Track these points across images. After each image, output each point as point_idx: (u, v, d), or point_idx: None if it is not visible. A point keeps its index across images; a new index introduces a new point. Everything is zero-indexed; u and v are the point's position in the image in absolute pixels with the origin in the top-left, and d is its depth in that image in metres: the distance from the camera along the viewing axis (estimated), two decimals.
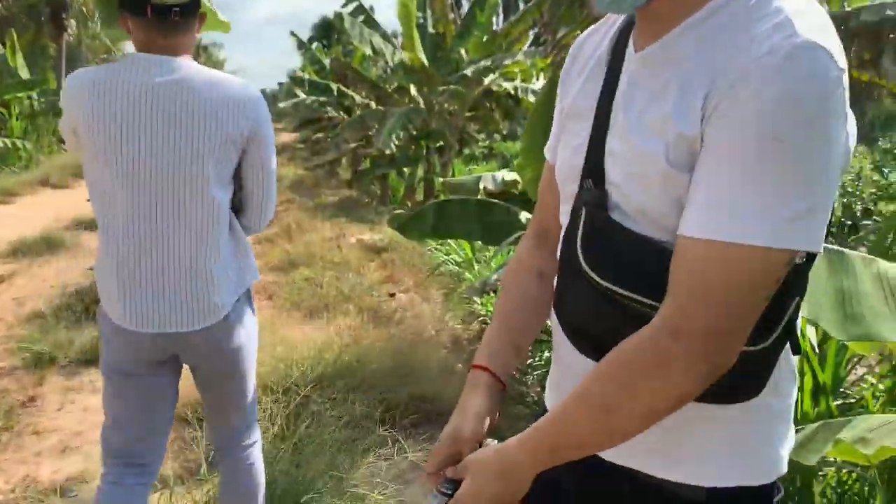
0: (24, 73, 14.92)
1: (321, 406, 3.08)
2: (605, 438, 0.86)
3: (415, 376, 3.41)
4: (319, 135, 16.31)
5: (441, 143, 10.14)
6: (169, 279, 1.71)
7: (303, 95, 13.84)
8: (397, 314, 4.85)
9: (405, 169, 11.01)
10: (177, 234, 1.71)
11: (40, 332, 4.15)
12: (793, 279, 0.80)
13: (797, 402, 2.05)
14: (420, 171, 11.06)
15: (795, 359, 0.95)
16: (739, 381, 0.85)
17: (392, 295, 5.37)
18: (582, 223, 0.92)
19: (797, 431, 1.54)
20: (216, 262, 1.74)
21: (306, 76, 13.52)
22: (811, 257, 0.83)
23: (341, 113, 13.98)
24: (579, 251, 0.91)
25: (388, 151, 9.44)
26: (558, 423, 0.88)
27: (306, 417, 2.92)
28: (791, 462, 0.99)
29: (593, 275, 0.89)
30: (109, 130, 1.65)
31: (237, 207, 1.85)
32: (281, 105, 14.77)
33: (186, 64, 1.71)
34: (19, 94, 13.36)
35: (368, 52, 9.69)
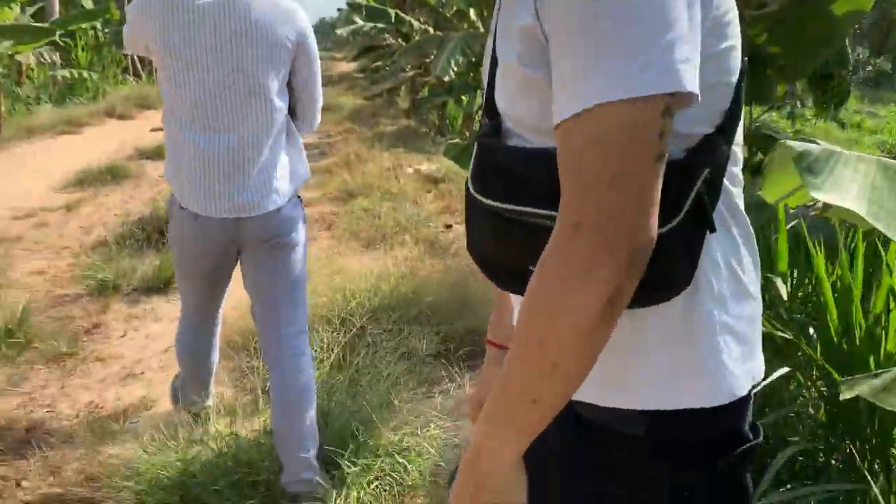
0: (88, 4, 15.03)
1: (377, 338, 3.04)
2: (552, 383, 0.72)
3: (471, 309, 3.34)
4: (378, 63, 16.07)
5: None
6: (233, 172, 1.96)
7: (360, 22, 13.57)
8: (454, 246, 4.76)
9: (463, 97, 10.76)
10: (239, 134, 1.96)
11: (104, 260, 4.22)
12: (698, 149, 0.77)
13: (881, 345, 1.89)
14: (479, 99, 10.80)
15: (757, 277, 0.87)
16: (659, 272, 0.73)
17: (449, 226, 5.28)
18: (473, 156, 0.88)
19: (878, 374, 1.41)
20: (274, 159, 2.01)
21: (363, 2, 13.19)
22: (722, 129, 0.79)
23: (399, 40, 13.70)
24: (469, 181, 0.87)
25: (446, 79, 9.18)
26: (503, 384, 0.76)
27: (362, 349, 2.89)
28: (870, 408, 0.85)
29: (480, 198, 0.84)
30: (179, 40, 1.88)
31: (291, 111, 2.10)
32: (339, 31, 14.52)
33: None
34: (84, 25, 13.46)
35: None
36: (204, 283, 2.20)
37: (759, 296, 0.89)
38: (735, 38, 0.80)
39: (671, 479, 0.84)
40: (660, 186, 0.69)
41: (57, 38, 12.28)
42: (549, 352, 0.70)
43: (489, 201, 0.82)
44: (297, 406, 2.08)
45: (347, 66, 23.21)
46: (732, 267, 0.84)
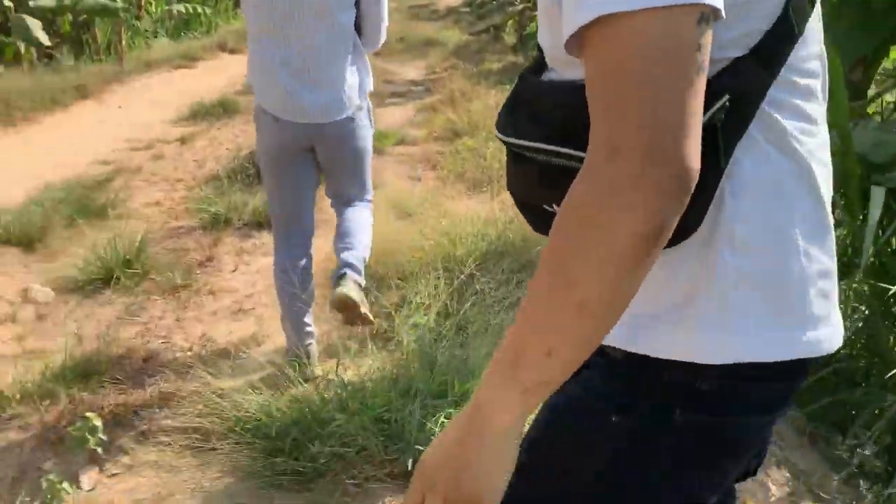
0: None
1: (485, 286, 2.94)
2: (575, 328, 0.63)
3: None
4: None
5: None
6: (309, 84, 2.21)
7: None
8: None
9: None
10: (312, 48, 2.19)
11: (217, 194, 4.29)
12: (720, 73, 0.68)
13: None
14: None
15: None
16: None
17: None
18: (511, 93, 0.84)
19: None
20: (343, 72, 2.24)
21: None
22: (757, 51, 0.70)
23: None
24: (499, 119, 0.82)
25: None
26: (515, 331, 0.67)
27: (470, 297, 2.79)
28: None
29: (497, 133, 0.80)
30: None
31: (357, 28, 2.29)
32: None
33: None
34: None
35: None
36: (287, 181, 2.41)
37: (817, 252, 0.76)
38: None
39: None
40: (701, 108, 0.62)
41: None
42: (577, 289, 0.62)
43: (503, 136, 0.79)
44: (356, 231, 2.47)
45: (453, 1, 22.76)
46: (766, 211, 0.73)
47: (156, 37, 13.42)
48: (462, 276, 2.80)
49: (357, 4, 2.24)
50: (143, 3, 12.68)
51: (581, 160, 0.63)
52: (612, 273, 0.61)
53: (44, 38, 8.61)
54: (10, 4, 9.08)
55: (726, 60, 0.69)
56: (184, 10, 13.66)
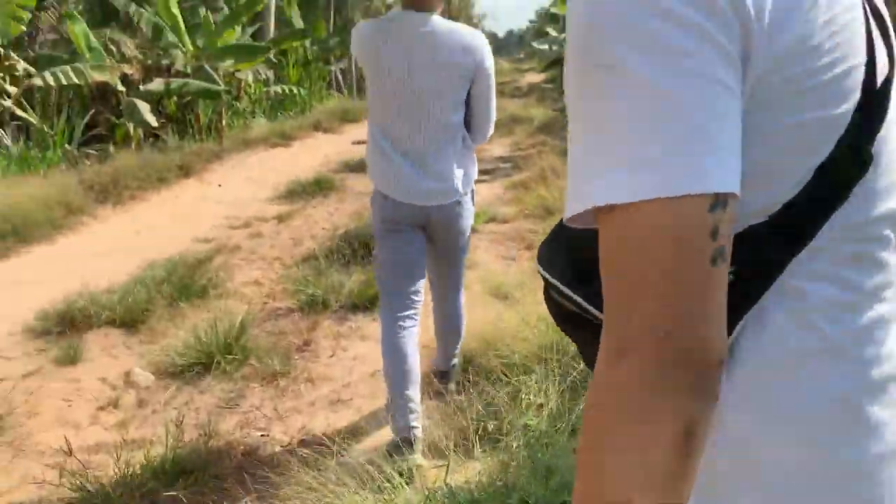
0: (298, 23, 16.07)
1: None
2: None
3: None
4: None
5: None
6: (422, 173, 2.44)
7: (554, 34, 13.38)
8: None
9: None
10: (426, 142, 2.42)
11: (314, 274, 4.28)
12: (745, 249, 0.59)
13: None
14: None
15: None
16: None
17: None
18: None
19: None
20: (452, 164, 2.47)
21: (562, 12, 12.93)
22: (775, 223, 0.60)
23: None
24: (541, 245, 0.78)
25: None
26: None
27: (583, 395, 2.61)
28: None
29: (538, 264, 0.76)
30: (385, 62, 2.37)
31: (467, 125, 2.52)
32: (534, 45, 14.38)
33: (436, 19, 2.37)
34: (295, 43, 14.39)
35: None
36: (399, 252, 2.57)
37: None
38: (829, 100, 0.58)
39: None
40: (724, 299, 0.54)
41: (271, 55, 13.22)
42: (609, 489, 0.53)
43: (538, 265, 0.76)
44: (451, 327, 2.81)
45: (536, 77, 23.09)
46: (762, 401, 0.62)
47: (254, 116, 14.08)
48: (575, 374, 2.62)
49: (468, 103, 2.48)
50: (242, 85, 13.35)
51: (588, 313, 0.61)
52: (647, 478, 0.52)
53: (152, 120, 9.11)
54: (123, 89, 9.69)
55: (740, 227, 0.59)
56: (280, 91, 14.32)
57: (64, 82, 8.16)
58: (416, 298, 2.57)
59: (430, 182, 2.44)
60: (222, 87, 10.46)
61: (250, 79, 12.42)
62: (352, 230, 5.07)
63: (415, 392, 2.44)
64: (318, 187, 6.97)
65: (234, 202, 6.77)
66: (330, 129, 12.38)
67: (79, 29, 8.96)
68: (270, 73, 14.42)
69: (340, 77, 20.59)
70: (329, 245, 4.93)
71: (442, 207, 2.51)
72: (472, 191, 2.62)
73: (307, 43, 16.08)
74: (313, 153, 9.69)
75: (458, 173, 2.50)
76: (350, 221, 5.69)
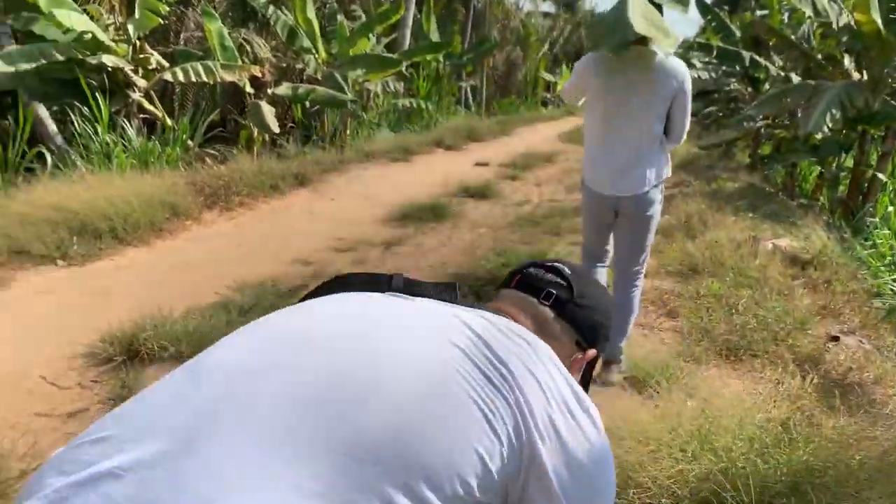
0: (435, 37, 15.79)
1: None
2: None
3: None
4: (711, 108, 14.65)
5: (885, 129, 7.96)
6: (624, 172, 3.04)
7: (699, 65, 12.39)
8: (850, 374, 3.46)
9: (829, 158, 8.98)
10: (631, 149, 3.02)
11: None
12: None
13: None
14: (847, 161, 8.98)
15: None
16: None
17: (835, 339, 3.94)
18: None
19: None
20: (649, 159, 3.04)
21: (715, 43, 11.91)
22: None
23: (746, 87, 12.20)
24: None
25: (818, 135, 7.66)
26: None
27: None
28: None
29: None
30: (603, 86, 3.04)
31: (665, 130, 3.08)
32: None
33: (648, 50, 2.96)
34: (428, 57, 14.07)
35: (809, 12, 7.91)
36: (595, 229, 3.31)
37: None
38: None
39: None
40: None
41: (403, 68, 12.92)
42: None
43: None
44: (623, 317, 3.24)
45: None
46: None
47: (378, 128, 13.84)
48: None
49: (668, 116, 3.05)
50: (371, 95, 13.13)
51: None
52: None
53: (273, 124, 8.90)
54: (252, 90, 9.57)
55: None
56: (408, 104, 14.02)
57: (193, 79, 8.05)
58: (604, 261, 3.38)
59: (627, 181, 3.04)
60: (349, 96, 10.19)
61: (379, 90, 12.15)
62: (463, 270, 4.45)
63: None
64: (434, 213, 6.42)
65: (343, 220, 6.32)
66: (453, 147, 11.90)
67: (214, 27, 8.89)
68: (399, 86, 14.16)
69: (470, 94, 20.22)
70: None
71: (634, 197, 3.05)
72: (662, 188, 3.14)
73: (440, 57, 15.76)
74: (432, 171, 9.19)
75: (652, 173, 3.06)
76: (461, 257, 5.09)
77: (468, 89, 20.14)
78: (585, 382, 1.19)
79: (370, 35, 12.12)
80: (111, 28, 8.14)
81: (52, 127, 7.64)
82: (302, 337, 0.93)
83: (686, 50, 15.17)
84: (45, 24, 7.44)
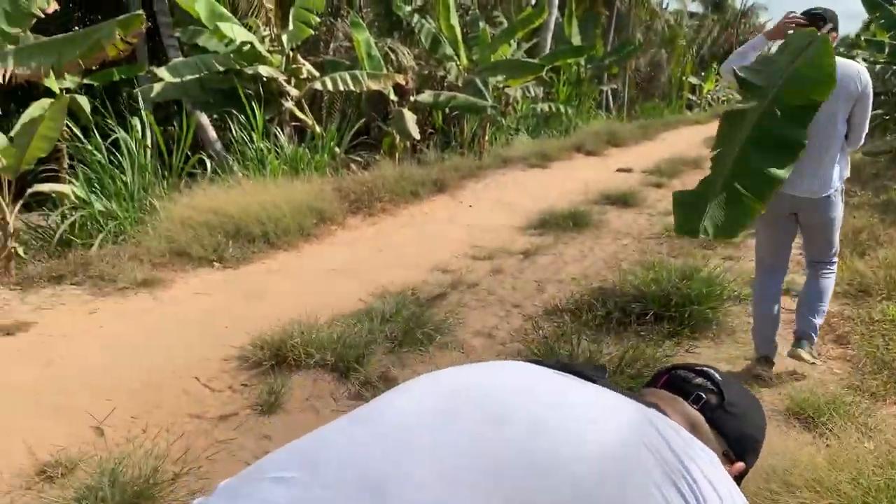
0: (576, 41, 15.52)
1: None
2: None
3: None
4: (877, 111, 13.44)
5: None
6: (807, 173, 3.09)
7: (864, 64, 11.41)
8: None
9: None
10: (817, 150, 3.05)
11: (556, 333, 3.57)
12: None
13: None
14: None
15: None
16: None
17: None
18: None
19: None
20: (832, 161, 3.12)
21: (885, 41, 10.90)
22: None
23: None
24: None
25: None
26: None
27: None
28: None
29: None
30: None
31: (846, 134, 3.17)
32: None
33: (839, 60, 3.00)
34: (569, 61, 13.84)
35: None
36: (774, 233, 3.34)
37: None
38: None
39: None
40: None
41: (543, 73, 12.77)
42: None
43: None
44: (817, 299, 3.31)
45: None
46: None
47: (517, 133, 13.77)
48: None
49: (849, 121, 3.10)
50: (511, 101, 13.08)
51: None
52: None
53: (414, 131, 9.03)
54: (395, 98, 9.78)
55: None
56: (547, 109, 13.85)
57: (341, 88, 8.33)
58: (783, 271, 3.40)
59: (809, 182, 3.09)
60: (489, 101, 10.18)
61: (518, 95, 12.07)
62: (608, 285, 4.27)
63: (775, 333, 3.32)
64: (573, 221, 6.24)
65: (480, 226, 6.29)
66: (593, 152, 11.62)
67: (361, 37, 9.15)
68: (539, 90, 14.01)
69: (611, 96, 19.73)
70: (577, 297, 4.18)
71: (816, 200, 3.12)
72: (843, 189, 3.20)
73: (581, 60, 15.47)
74: (572, 177, 8.99)
75: (834, 172, 3.12)
76: (604, 269, 4.90)
77: (609, 93, 19.65)
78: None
79: (511, 40, 12.07)
80: (266, 40, 8.56)
81: (212, 134, 8.15)
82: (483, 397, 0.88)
83: (848, 48, 14.04)
84: (209, 37, 7.94)
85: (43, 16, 4.52)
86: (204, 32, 8.09)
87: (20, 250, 5.04)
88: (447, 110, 10.91)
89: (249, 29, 8.83)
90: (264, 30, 8.81)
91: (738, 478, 1.08)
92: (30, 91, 7.93)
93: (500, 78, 10.94)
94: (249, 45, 7.67)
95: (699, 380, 1.11)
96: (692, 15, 26.92)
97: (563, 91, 15.29)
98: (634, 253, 5.39)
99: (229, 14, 7.86)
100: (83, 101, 9.86)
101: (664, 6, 23.87)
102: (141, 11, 4.72)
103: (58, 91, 9.51)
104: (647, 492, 0.78)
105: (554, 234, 6.03)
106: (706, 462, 0.86)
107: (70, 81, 10.54)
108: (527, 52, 14.11)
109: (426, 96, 9.80)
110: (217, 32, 7.23)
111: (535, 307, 4.22)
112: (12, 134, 4.74)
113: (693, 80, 24.62)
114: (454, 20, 10.71)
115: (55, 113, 4.47)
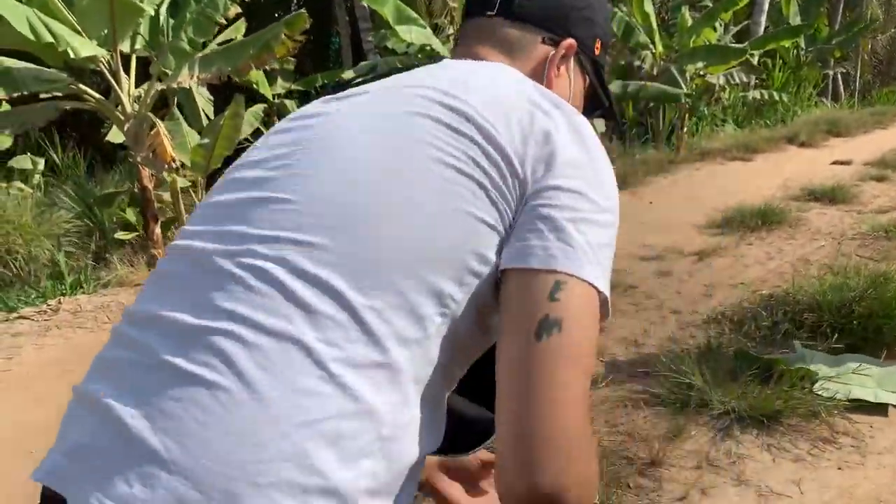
0: (795, 21, 14.05)
1: None
2: None
3: None
4: None
5: None
6: None
7: None
8: None
9: None
10: None
11: (701, 349, 3.17)
12: None
13: None
14: None
15: None
16: None
17: None
18: None
19: None
20: None
21: None
22: None
23: None
24: None
25: None
26: None
27: None
28: None
29: None
30: None
31: None
32: None
33: None
34: (784, 43, 12.54)
35: None
36: None
37: None
38: None
39: None
40: None
41: (754, 58, 11.69)
42: None
43: None
44: None
45: None
46: None
47: (723, 123, 12.80)
48: None
49: None
50: (716, 89, 12.14)
51: None
52: None
53: (600, 125, 8.67)
54: None
55: None
56: (759, 97, 12.69)
57: None
58: None
59: None
60: (684, 90, 9.50)
61: (722, 82, 11.16)
62: (781, 293, 3.74)
63: None
64: (762, 220, 5.59)
65: (656, 224, 5.85)
66: (808, 144, 10.43)
67: None
68: (751, 77, 12.87)
69: (840, 80, 17.67)
70: (745, 306, 3.71)
71: None
72: None
73: (801, 42, 14.00)
74: (775, 172, 8.11)
75: None
76: (788, 275, 4.31)
77: (839, 77, 17.60)
78: (595, 89, 1.02)
79: (715, 24, 11.20)
80: (452, 38, 8.68)
81: None
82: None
83: None
84: (397, 40, 8.22)
85: (225, 22, 4.89)
86: (392, 34, 8.38)
87: None
88: (641, 102, 10.36)
89: (437, 29, 9.01)
90: (450, 29, 8.93)
91: (584, 56, 0.98)
92: (252, 96, 8.74)
93: (699, 65, 10.18)
94: (429, 47, 7.80)
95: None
96: None
97: (777, 77, 13.91)
98: (829, 255, 4.70)
99: (415, 16, 8.04)
100: (291, 105, 10.66)
101: None
102: (303, 11, 4.94)
103: (270, 96, 10.38)
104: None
105: (738, 233, 5.44)
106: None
107: (280, 87, 11.47)
108: (736, 35, 13.04)
109: (614, 87, 9.36)
110: (396, 35, 7.43)
111: (696, 314, 3.81)
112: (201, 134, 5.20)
113: None
114: (648, 7, 10.14)
115: (233, 115, 4.82)
